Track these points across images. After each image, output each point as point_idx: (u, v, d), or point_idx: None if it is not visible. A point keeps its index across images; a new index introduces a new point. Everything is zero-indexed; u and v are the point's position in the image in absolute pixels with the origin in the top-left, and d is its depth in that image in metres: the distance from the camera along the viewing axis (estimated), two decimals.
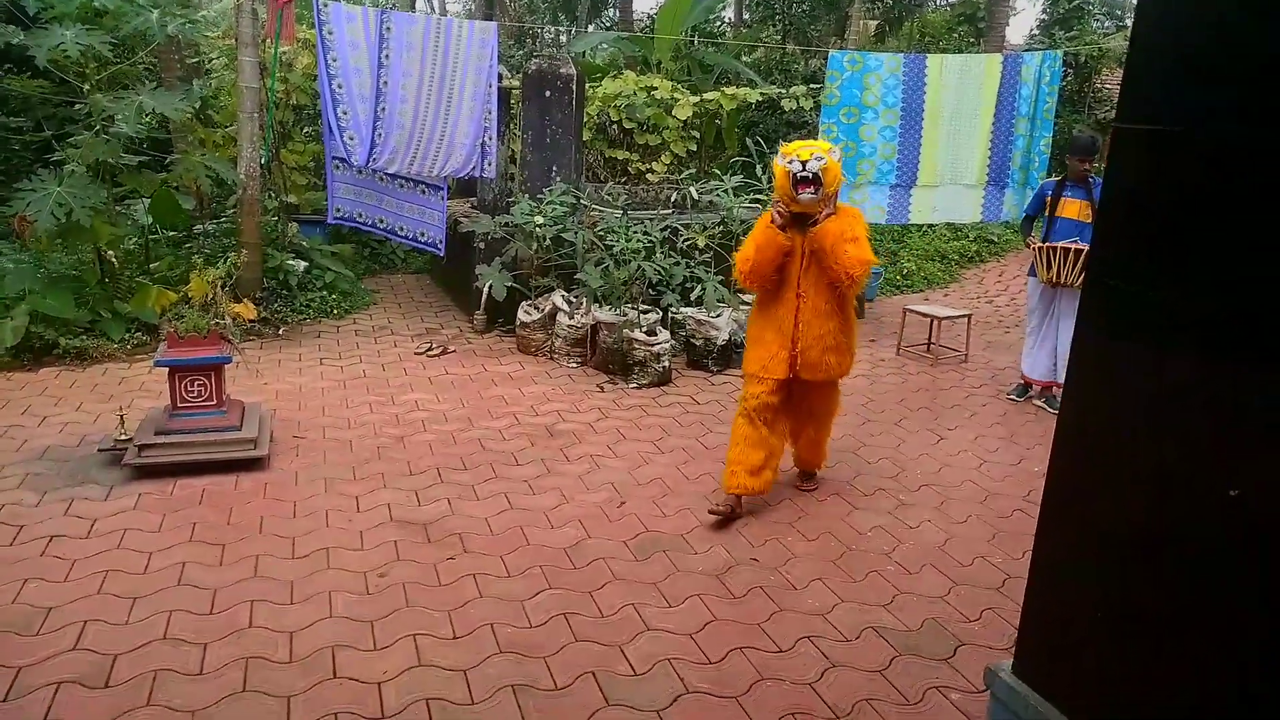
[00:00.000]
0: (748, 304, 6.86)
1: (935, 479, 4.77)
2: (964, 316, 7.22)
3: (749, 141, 7.76)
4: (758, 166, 7.09)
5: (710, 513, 4.12)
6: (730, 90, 10.11)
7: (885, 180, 7.22)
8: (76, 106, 6.92)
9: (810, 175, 3.85)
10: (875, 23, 16.18)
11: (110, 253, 6.98)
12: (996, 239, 11.09)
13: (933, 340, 7.20)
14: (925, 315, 7.14)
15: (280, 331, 7.04)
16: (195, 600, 3.33)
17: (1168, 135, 1.74)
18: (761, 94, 10.49)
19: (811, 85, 10.38)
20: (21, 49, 6.31)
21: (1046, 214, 5.81)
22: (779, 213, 3.99)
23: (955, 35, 16.17)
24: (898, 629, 3.34)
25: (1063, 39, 13.70)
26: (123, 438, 4.50)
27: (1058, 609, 2.02)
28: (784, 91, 10.40)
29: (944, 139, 7.11)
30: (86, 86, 6.62)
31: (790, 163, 3.89)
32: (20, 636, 3.05)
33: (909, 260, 10.10)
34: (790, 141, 4.21)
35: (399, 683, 2.91)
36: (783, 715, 2.83)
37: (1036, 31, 15.80)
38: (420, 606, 3.35)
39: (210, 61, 9.51)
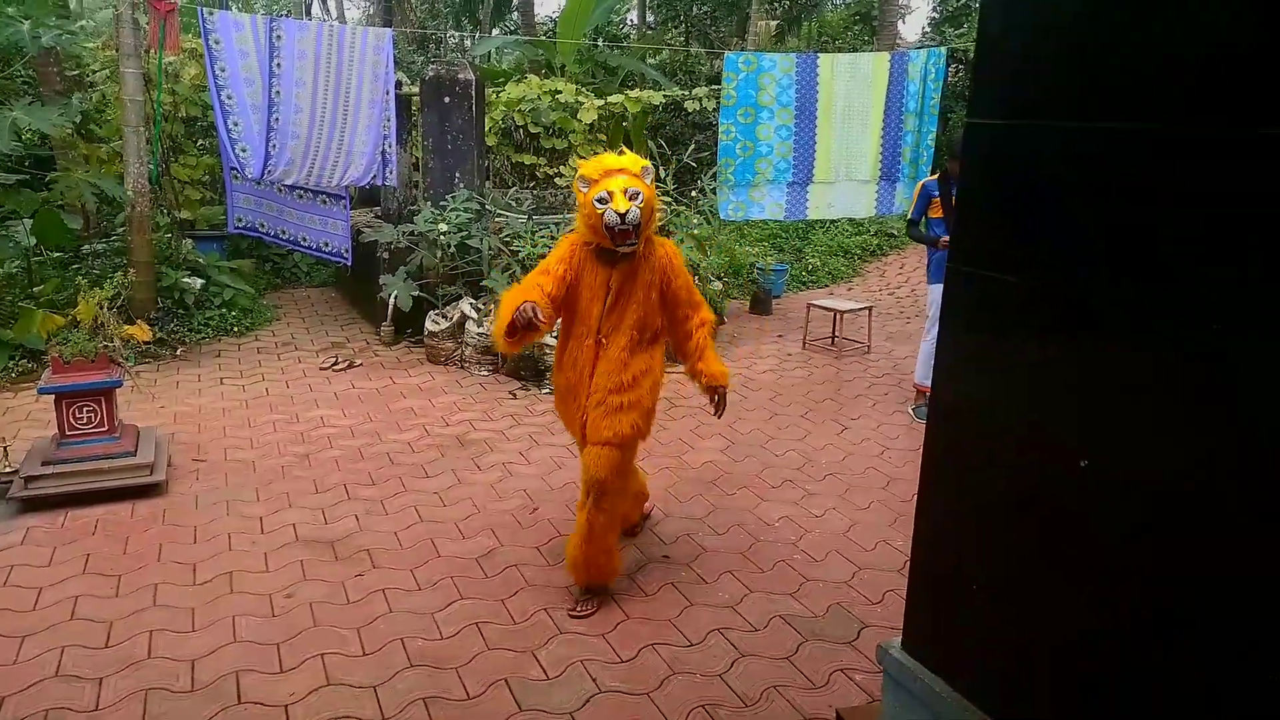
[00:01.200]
0: None
1: (839, 468, 4.92)
2: (865, 309, 7.45)
3: (652, 143, 7.85)
4: (661, 168, 7.17)
5: (573, 616, 3.41)
6: (635, 93, 10.20)
7: (782, 178, 7.39)
8: None
9: (631, 226, 3.13)
10: (775, 23, 16.51)
11: None
12: (897, 233, 11.45)
13: (836, 334, 7.41)
14: (828, 309, 7.33)
15: (178, 352, 6.82)
16: (90, 634, 3.21)
17: (1005, 129, 1.86)
18: (665, 96, 10.61)
19: (713, 86, 10.54)
20: None
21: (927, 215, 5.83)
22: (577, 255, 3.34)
23: (851, 34, 16.63)
24: (804, 616, 3.44)
25: (952, 36, 14.23)
26: (7, 470, 4.31)
27: (939, 583, 2.13)
28: (687, 93, 10.54)
29: (837, 136, 7.32)
30: None
31: (603, 207, 3.12)
32: None
33: (813, 256, 10.35)
34: (605, 160, 3.34)
35: (307, 703, 2.87)
36: (694, 708, 2.89)
37: (928, 29, 16.38)
38: (328, 625, 3.31)
39: (92, 74, 9.13)
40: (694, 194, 7.61)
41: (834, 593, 3.62)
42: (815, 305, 7.42)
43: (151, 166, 7.04)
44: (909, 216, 5.83)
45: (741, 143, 7.25)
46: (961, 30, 14.58)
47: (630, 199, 3.13)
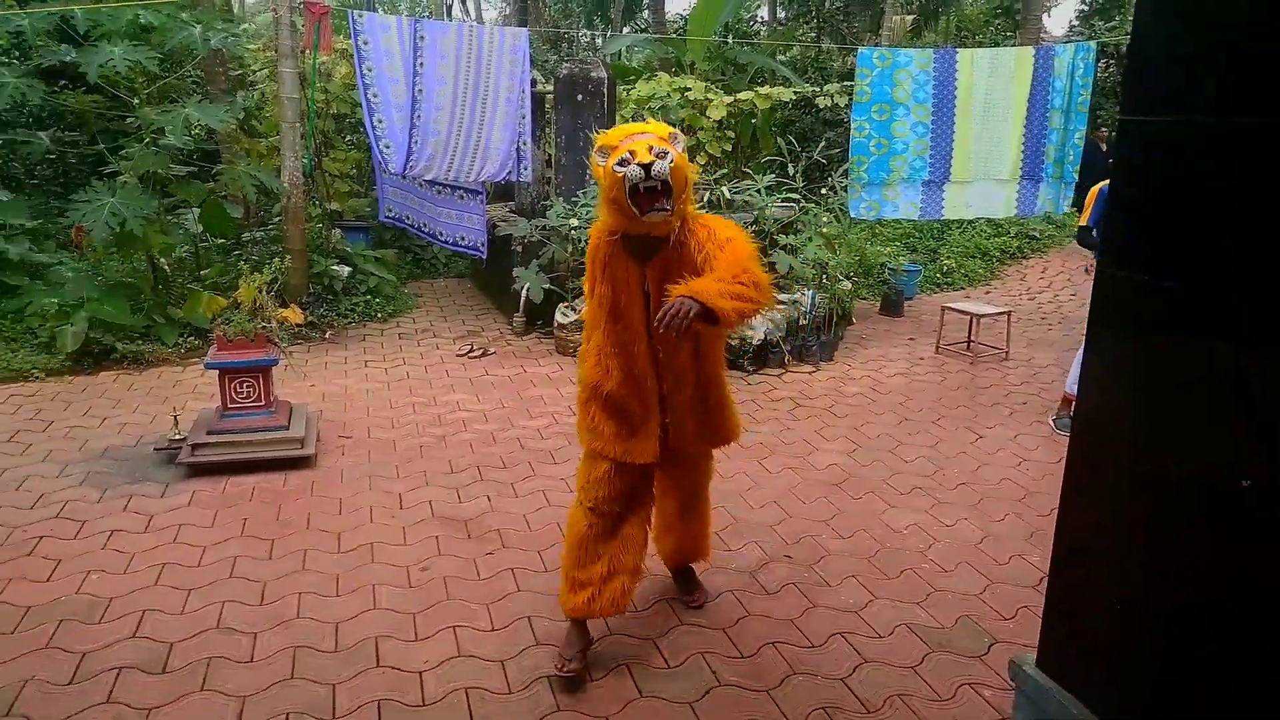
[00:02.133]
0: (783, 303, 6.90)
1: (973, 477, 4.76)
2: (1004, 314, 7.17)
3: (782, 141, 7.78)
4: (790, 165, 7.11)
5: (559, 673, 2.94)
6: (764, 90, 10.12)
7: (918, 177, 7.19)
8: (128, 120, 7.16)
9: (660, 182, 2.58)
10: (911, 18, 16.07)
11: (163, 260, 7.22)
12: (1039, 234, 10.97)
13: (972, 338, 7.17)
14: (964, 313, 7.10)
15: (326, 335, 7.22)
16: (246, 592, 3.46)
17: (1164, 125, 1.77)
18: (795, 93, 10.48)
19: (845, 83, 10.36)
20: (74, 66, 6.56)
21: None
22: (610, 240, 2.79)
23: (991, 28, 15.99)
24: (931, 626, 3.36)
25: (1102, 29, 13.49)
26: (177, 438, 4.68)
27: (1079, 601, 2.04)
28: (818, 90, 10.39)
29: (976, 134, 7.07)
30: (136, 100, 6.85)
31: (625, 166, 2.59)
32: (84, 625, 3.20)
33: (949, 257, 10.03)
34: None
35: (439, 672, 3.00)
36: (813, 710, 2.87)
37: (1075, 22, 15.58)
38: (460, 599, 3.45)
39: (253, 73, 9.77)
40: (824, 191, 7.50)
41: (963, 604, 3.52)
42: (950, 308, 7.19)
43: (305, 160, 7.49)
44: (1082, 223, 5.49)
45: (875, 140, 7.10)
46: (1113, 23, 13.81)
47: (659, 157, 2.60)
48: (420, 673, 3.00)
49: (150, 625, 3.21)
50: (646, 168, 2.55)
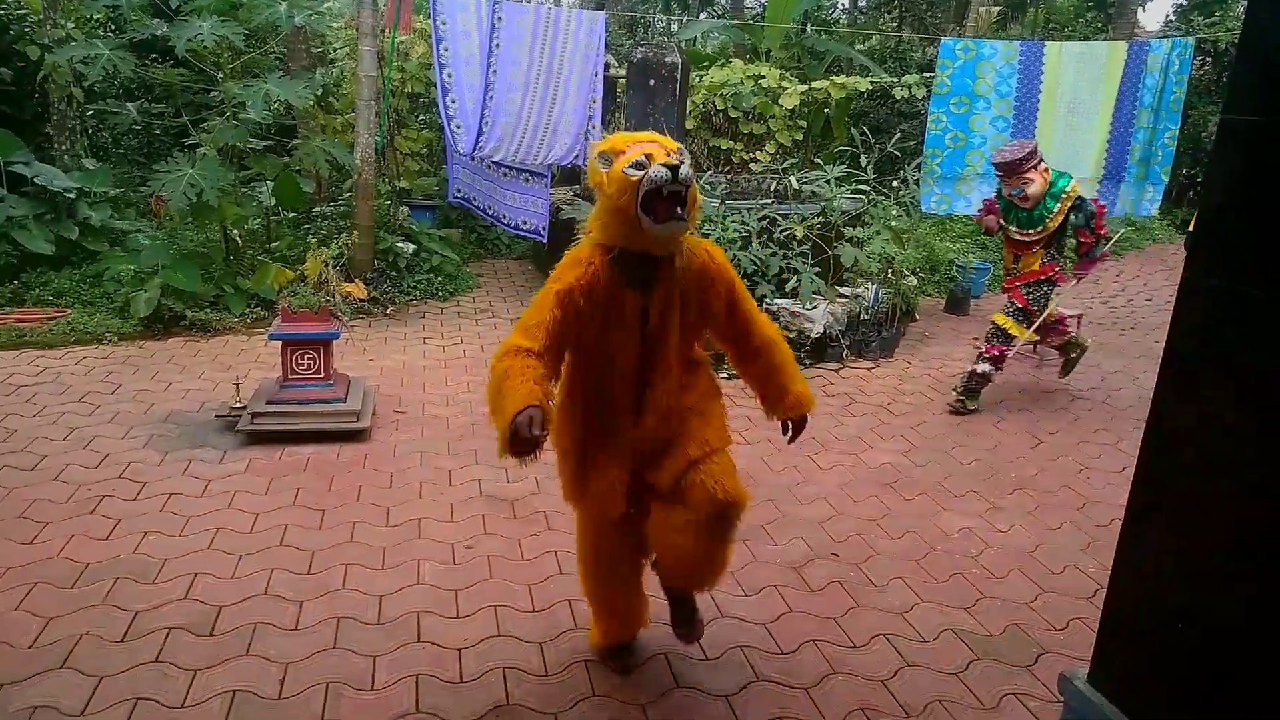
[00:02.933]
0: (844, 296, 6.78)
1: (1030, 483, 4.61)
2: (1074, 317, 6.91)
3: (854, 131, 7.62)
4: (862, 156, 6.95)
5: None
6: (840, 79, 9.93)
7: (995, 172, 6.96)
8: (211, 94, 7.36)
9: (684, 186, 2.34)
10: (997, 9, 15.57)
11: (235, 232, 7.41)
12: (1115, 236, 10.54)
13: (1039, 340, 6.92)
14: None
15: (388, 311, 7.34)
16: (295, 560, 3.53)
17: (1270, 126, 1.65)
18: (872, 82, 10.26)
19: (925, 74, 10.09)
20: (164, 40, 6.76)
21: None
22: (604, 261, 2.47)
23: (1082, 22, 15.41)
24: (978, 633, 3.27)
25: (1201, 25, 12.89)
26: (237, 405, 4.80)
27: (1138, 618, 1.95)
28: (895, 80, 10.15)
29: (1059, 130, 6.82)
30: (221, 75, 7.03)
31: (641, 170, 2.32)
32: (138, 584, 3.31)
33: None
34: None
35: (479, 650, 3.02)
36: (852, 710, 2.81)
37: (1173, 17, 14.92)
38: (503, 579, 3.47)
39: (334, 51, 9.95)
40: (895, 184, 7.32)
41: (1013, 613, 3.41)
42: None
43: (378, 138, 7.59)
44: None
45: (952, 133, 6.91)
46: (1213, 19, 13.18)
47: (675, 157, 2.38)
48: (460, 650, 3.02)
49: (201, 588, 3.30)
50: (674, 169, 2.30)
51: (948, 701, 2.87)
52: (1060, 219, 5.43)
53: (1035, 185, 5.37)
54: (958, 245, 9.35)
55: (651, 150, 2.37)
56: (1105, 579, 3.62)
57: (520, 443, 2.23)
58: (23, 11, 8.62)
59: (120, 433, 4.68)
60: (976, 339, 7.28)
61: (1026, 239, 5.61)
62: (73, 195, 7.30)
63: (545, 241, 7.54)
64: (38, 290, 6.78)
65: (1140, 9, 13.70)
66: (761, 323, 2.70)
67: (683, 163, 2.35)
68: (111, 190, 7.99)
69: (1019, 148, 5.45)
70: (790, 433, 2.76)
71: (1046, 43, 6.94)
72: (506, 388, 2.30)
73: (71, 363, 5.74)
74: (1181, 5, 14.84)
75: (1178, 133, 7.01)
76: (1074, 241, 5.73)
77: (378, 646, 3.02)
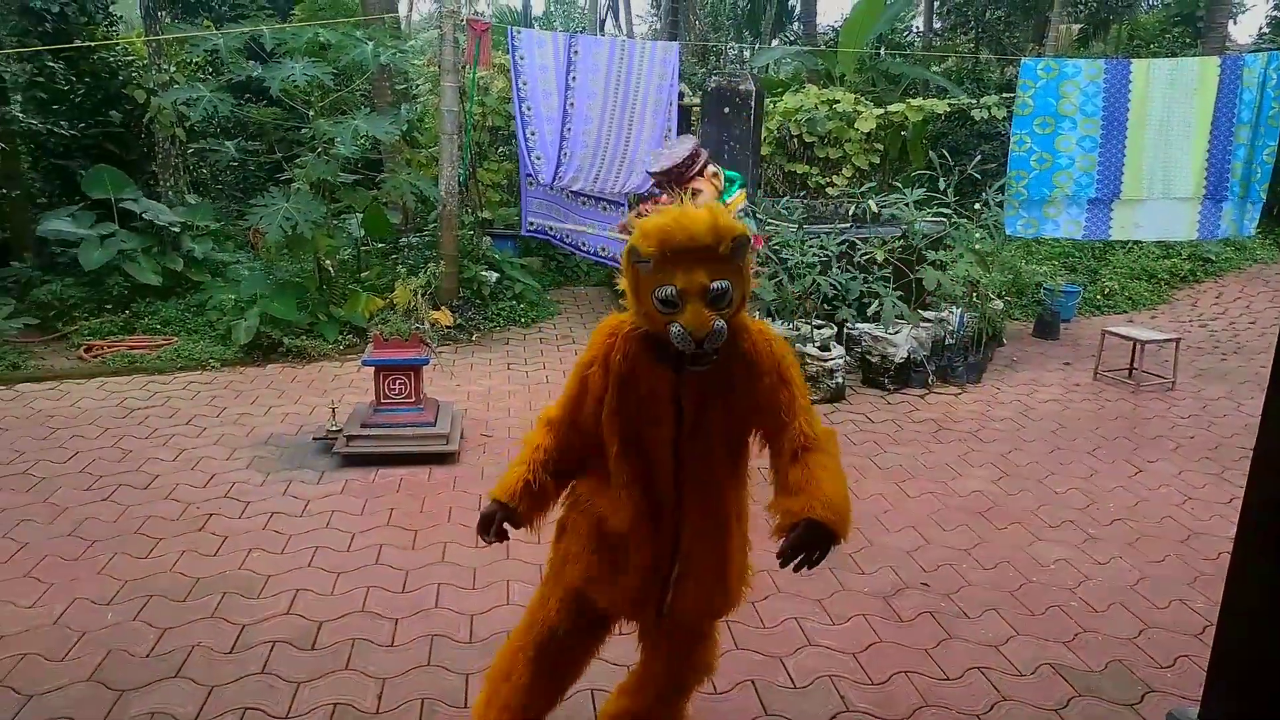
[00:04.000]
0: (928, 320, 6.68)
1: (1131, 514, 4.45)
2: (1171, 340, 6.68)
3: (933, 153, 7.54)
4: (941, 179, 6.87)
5: None
6: (916, 101, 9.85)
7: (1083, 194, 6.80)
8: (303, 131, 7.69)
9: (713, 351, 1.99)
10: (1078, 26, 15.25)
11: (327, 262, 7.71)
12: (1214, 257, 10.15)
13: (1135, 365, 6.71)
14: (1127, 338, 6.66)
15: (473, 337, 7.51)
16: (390, 579, 3.64)
17: None
18: (950, 104, 10.15)
19: (1005, 94, 9.93)
20: (259, 80, 7.11)
21: None
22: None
23: (1169, 37, 14.96)
24: (1078, 668, 3.16)
25: None
26: (334, 428, 4.98)
27: (1251, 655, 1.88)
28: (974, 101, 10.02)
29: (1151, 149, 6.61)
30: (311, 113, 7.35)
31: (668, 315, 1.95)
32: (244, 598, 3.45)
33: (1111, 279, 9.43)
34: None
35: None
36: None
37: (1266, 30, 14.38)
38: None
39: (416, 87, 10.31)
40: (976, 207, 7.21)
41: (1115, 648, 3.29)
42: (1112, 332, 6.76)
43: (461, 171, 7.83)
44: None
45: (1037, 155, 6.77)
46: None
47: (710, 303, 1.94)
48: None
49: (302, 604, 3.42)
50: (701, 341, 1.92)
51: None
52: None
53: (704, 195, 4.47)
54: (1045, 268, 9.13)
55: (686, 280, 1.92)
56: (1214, 615, 3.48)
57: (482, 526, 2.28)
58: (130, 58, 9.17)
59: (225, 454, 4.89)
60: (1068, 363, 7.11)
61: None
62: (177, 229, 7.70)
63: None
64: (147, 319, 7.16)
65: (1231, 22, 13.25)
66: (811, 420, 2.13)
67: (716, 303, 1.94)
68: (212, 224, 8.41)
69: (680, 148, 4.54)
70: (794, 550, 1.97)
71: (1133, 60, 6.77)
72: (510, 464, 2.30)
73: (179, 387, 6.03)
74: (1276, 17, 14.30)
75: (1276, 149, 6.73)
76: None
77: (470, 665, 3.08)
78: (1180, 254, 10.04)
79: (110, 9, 8.83)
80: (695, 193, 4.41)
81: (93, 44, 8.06)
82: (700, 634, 2.42)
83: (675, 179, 4.46)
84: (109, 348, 6.67)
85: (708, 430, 2.11)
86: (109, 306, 7.23)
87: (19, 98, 8.22)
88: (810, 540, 1.95)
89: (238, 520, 4.12)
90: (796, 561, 1.96)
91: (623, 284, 2.07)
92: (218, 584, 3.54)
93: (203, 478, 4.57)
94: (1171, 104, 6.54)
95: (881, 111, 9.80)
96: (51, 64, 8.15)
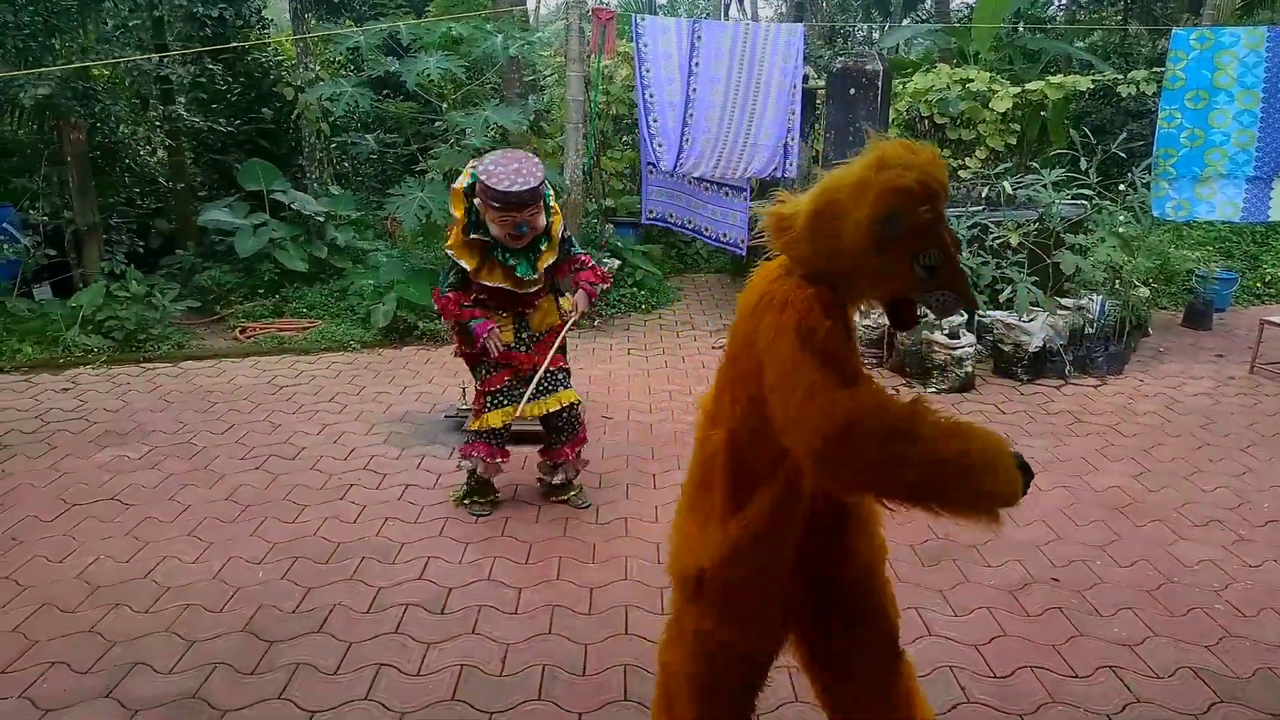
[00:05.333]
0: (1066, 308, 6.37)
1: None
2: None
3: (1074, 132, 7.16)
4: (1082, 159, 6.53)
5: None
6: (1057, 79, 9.36)
7: (1241, 172, 6.32)
8: (437, 124, 8.01)
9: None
10: None
11: None
12: None
13: None
14: None
15: (595, 323, 7.66)
16: (514, 550, 3.79)
17: None
18: (1094, 80, 9.59)
19: (1155, 69, 9.32)
20: (396, 75, 7.45)
21: None
22: None
23: None
24: (1222, 674, 2.99)
25: None
26: (464, 408, 5.19)
27: None
28: (1120, 77, 9.45)
29: None
30: (445, 105, 7.65)
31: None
32: (380, 563, 3.67)
33: (1274, 265, 8.73)
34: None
35: None
36: None
37: None
38: None
39: (544, 78, 10.54)
40: (1122, 188, 6.80)
41: (1264, 655, 3.09)
42: (1271, 322, 6.27)
43: (586, 159, 7.97)
44: None
45: (1188, 130, 6.34)
46: None
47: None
48: None
49: (433, 570, 3.61)
50: (971, 310, 1.85)
51: None
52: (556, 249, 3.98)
53: (551, 223, 3.89)
54: (1198, 253, 8.54)
55: (946, 236, 1.72)
56: None
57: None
58: (280, 58, 9.77)
59: (364, 429, 5.19)
60: (1221, 355, 6.65)
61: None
62: (322, 219, 8.17)
63: (744, 254, 7.61)
64: (294, 303, 7.64)
65: None
66: None
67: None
68: (353, 214, 8.87)
69: (528, 164, 3.69)
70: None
71: None
72: (969, 435, 1.68)
73: (323, 367, 6.42)
74: None
75: None
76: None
77: (589, 635, 3.18)
78: None
79: (262, 13, 9.42)
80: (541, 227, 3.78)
81: (247, 44, 8.63)
82: (886, 656, 2.08)
83: (530, 202, 3.64)
84: (261, 329, 7.16)
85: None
86: (261, 291, 7.74)
87: (183, 99, 8.89)
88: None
89: (375, 490, 4.37)
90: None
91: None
92: (357, 549, 3.78)
93: (344, 450, 4.86)
94: None
95: (1019, 90, 9.36)
96: (211, 66, 8.78)
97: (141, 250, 8.11)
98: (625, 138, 10.46)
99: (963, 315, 1.51)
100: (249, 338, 7.05)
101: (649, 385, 6.06)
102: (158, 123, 9.09)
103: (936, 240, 1.68)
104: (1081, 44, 12.77)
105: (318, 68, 9.93)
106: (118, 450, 4.81)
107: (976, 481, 1.63)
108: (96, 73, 8.16)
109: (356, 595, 3.42)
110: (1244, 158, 6.33)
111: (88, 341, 6.50)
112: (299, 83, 8.95)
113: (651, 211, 8.47)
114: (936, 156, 1.68)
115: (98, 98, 7.76)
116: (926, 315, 6.02)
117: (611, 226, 8.90)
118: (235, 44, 8.40)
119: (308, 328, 7.16)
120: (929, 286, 1.72)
